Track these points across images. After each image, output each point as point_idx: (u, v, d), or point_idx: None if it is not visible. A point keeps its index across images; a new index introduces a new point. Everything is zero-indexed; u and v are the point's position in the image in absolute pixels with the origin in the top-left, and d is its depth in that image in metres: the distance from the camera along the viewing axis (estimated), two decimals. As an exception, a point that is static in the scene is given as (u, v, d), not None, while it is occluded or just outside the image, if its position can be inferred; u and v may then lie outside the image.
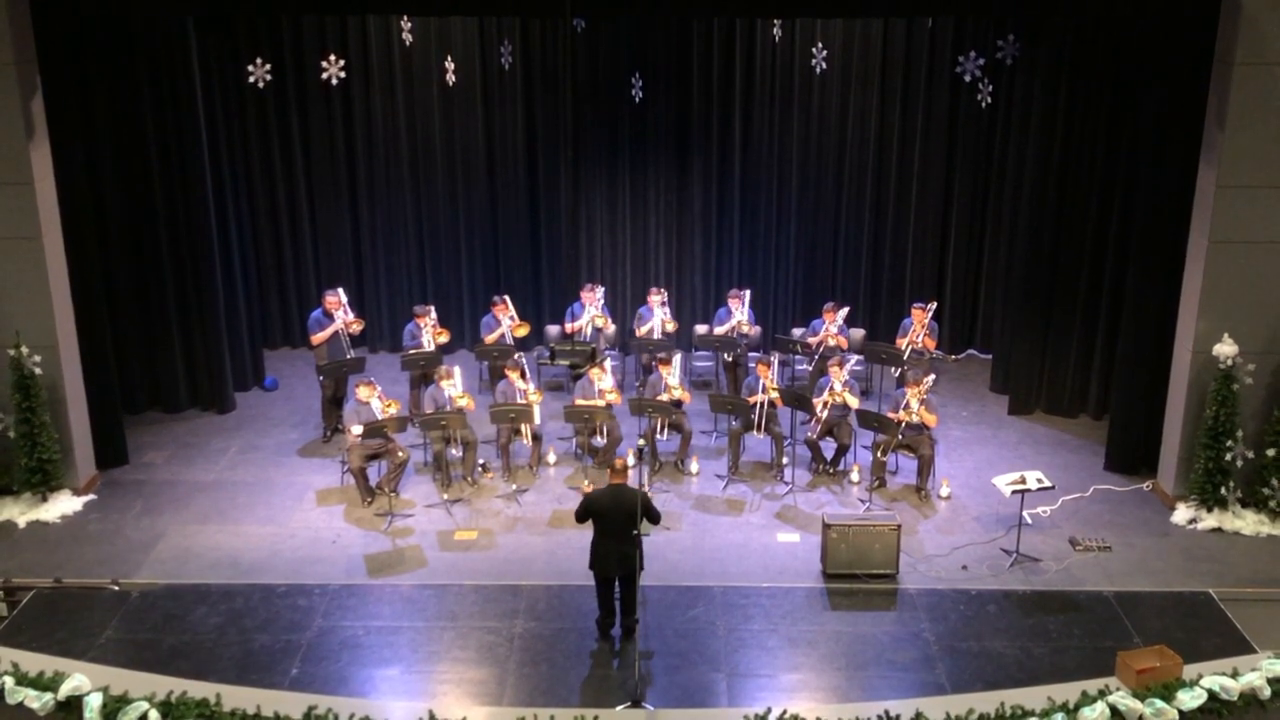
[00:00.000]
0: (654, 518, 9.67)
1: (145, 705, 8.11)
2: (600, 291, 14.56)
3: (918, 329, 13.76)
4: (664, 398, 12.49)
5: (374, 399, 11.99)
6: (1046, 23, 13.13)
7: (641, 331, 14.16)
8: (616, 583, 9.84)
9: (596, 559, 9.74)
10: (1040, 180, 13.47)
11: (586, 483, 11.94)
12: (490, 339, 13.99)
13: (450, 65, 14.89)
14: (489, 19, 14.65)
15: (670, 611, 10.27)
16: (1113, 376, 13.34)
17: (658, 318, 14.19)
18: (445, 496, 12.20)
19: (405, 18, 14.63)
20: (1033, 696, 8.30)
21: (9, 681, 8.32)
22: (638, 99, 15.11)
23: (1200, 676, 8.38)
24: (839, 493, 12.40)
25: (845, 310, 14.28)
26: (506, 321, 14.01)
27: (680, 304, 15.17)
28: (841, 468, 12.74)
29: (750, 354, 14.34)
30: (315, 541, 11.40)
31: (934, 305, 14.10)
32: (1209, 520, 11.63)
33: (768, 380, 12.45)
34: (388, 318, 15.84)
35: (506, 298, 14.26)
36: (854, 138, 15.28)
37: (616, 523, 9.50)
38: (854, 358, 13.96)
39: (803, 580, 10.78)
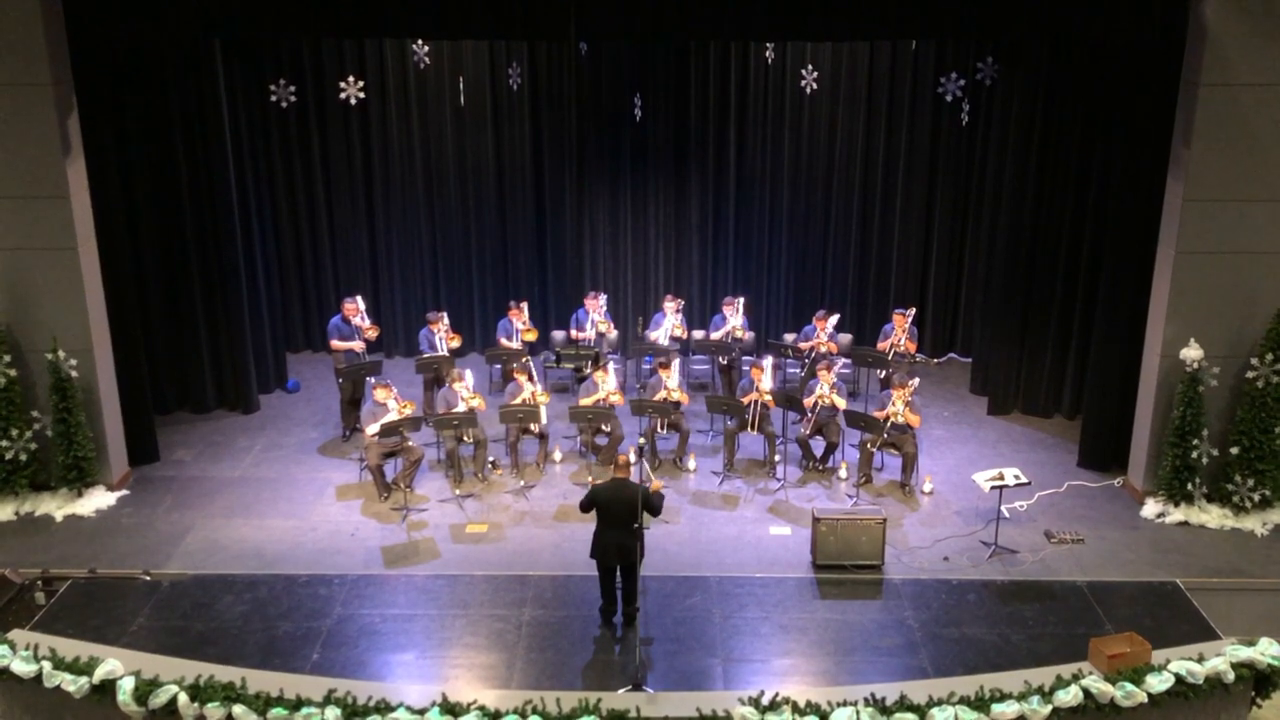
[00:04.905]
0: (654, 509, 9.67)
1: (175, 688, 8.11)
2: (603, 299, 14.57)
3: (899, 333, 13.76)
4: (661, 396, 12.49)
5: (390, 400, 11.98)
6: (1024, 46, 13.15)
7: (654, 336, 14.17)
8: (617, 572, 9.85)
9: (598, 549, 9.74)
10: (1017, 193, 13.48)
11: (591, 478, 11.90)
12: (506, 344, 13.99)
13: (462, 86, 14.91)
14: (499, 43, 14.69)
15: (669, 600, 10.27)
16: (1085, 379, 13.33)
17: (669, 323, 14.20)
18: (457, 492, 12.21)
19: (420, 42, 14.68)
20: (1010, 680, 8.28)
21: (47, 666, 8.33)
22: (638, 117, 15.13)
23: (1168, 661, 8.38)
24: (828, 488, 12.40)
25: (835, 318, 14.31)
26: (519, 325, 14.02)
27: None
28: (830, 465, 12.74)
29: (744, 358, 14.35)
30: (335, 534, 11.40)
31: (914, 311, 14.09)
32: (1176, 514, 11.64)
33: (759, 383, 12.45)
34: (403, 323, 15.83)
35: (524, 304, 14.26)
36: (842, 154, 15.30)
37: (617, 514, 9.51)
38: (841, 361, 13.97)
39: (794, 571, 10.78)
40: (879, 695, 8.06)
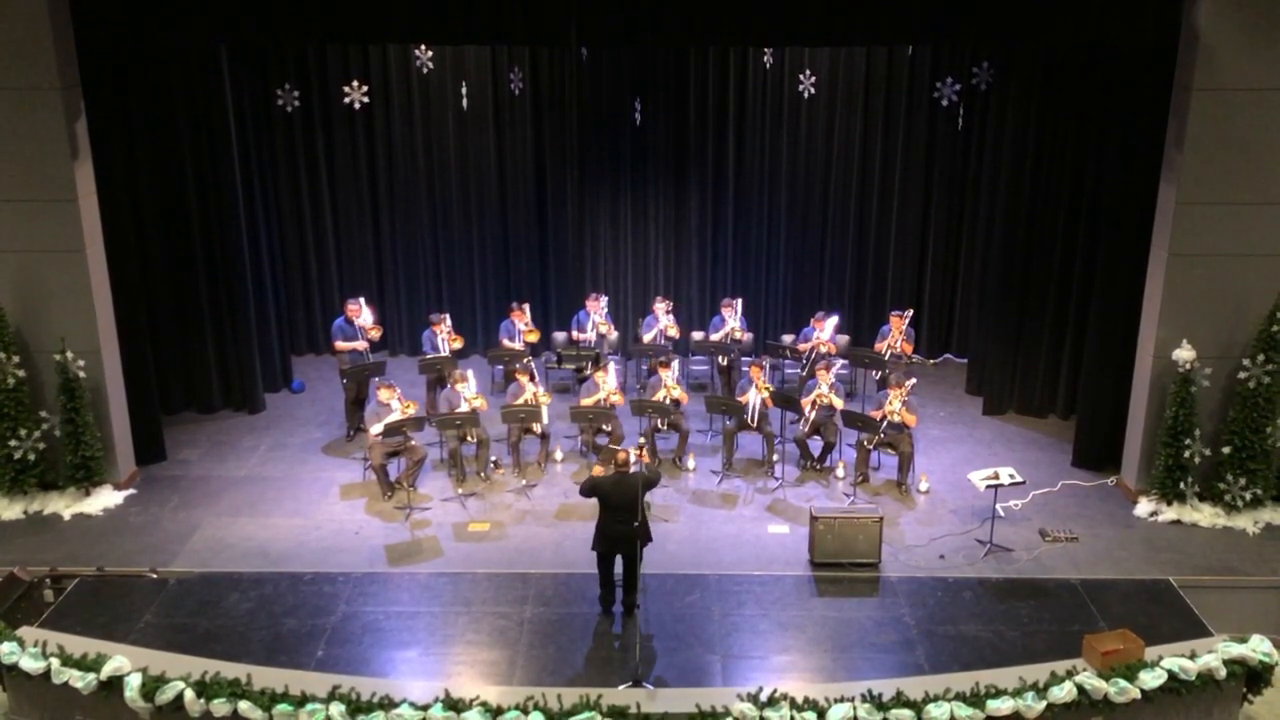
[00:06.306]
0: (653, 483, 9.97)
1: (181, 685, 8.13)
2: (604, 300, 14.57)
3: (895, 335, 13.77)
4: (661, 396, 12.49)
5: (394, 400, 11.99)
6: (1019, 51, 13.16)
7: (647, 338, 14.18)
8: (618, 560, 9.89)
9: (604, 540, 9.78)
10: (1012, 197, 13.49)
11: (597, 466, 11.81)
12: (508, 344, 14.00)
13: (465, 90, 14.93)
14: (501, 48, 14.69)
15: (669, 598, 10.27)
16: (1080, 379, 13.33)
17: (662, 324, 14.22)
18: (460, 491, 12.21)
19: (424, 47, 14.68)
20: (1005, 677, 8.31)
21: (55, 662, 8.36)
22: (638, 121, 15.13)
23: (1161, 658, 8.41)
24: (826, 487, 12.41)
25: (834, 319, 14.32)
26: (520, 326, 14.03)
27: (677, 312, 15.17)
28: (828, 464, 12.75)
29: (743, 358, 14.36)
30: (339, 533, 11.41)
31: (910, 313, 14.08)
32: (1169, 513, 11.63)
33: (759, 381, 12.46)
34: (406, 324, 15.84)
35: (526, 305, 14.27)
36: (839, 157, 15.30)
37: (619, 506, 9.56)
38: (839, 362, 13.98)
39: (792, 569, 10.78)
40: (876, 691, 8.08)
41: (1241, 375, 11.36)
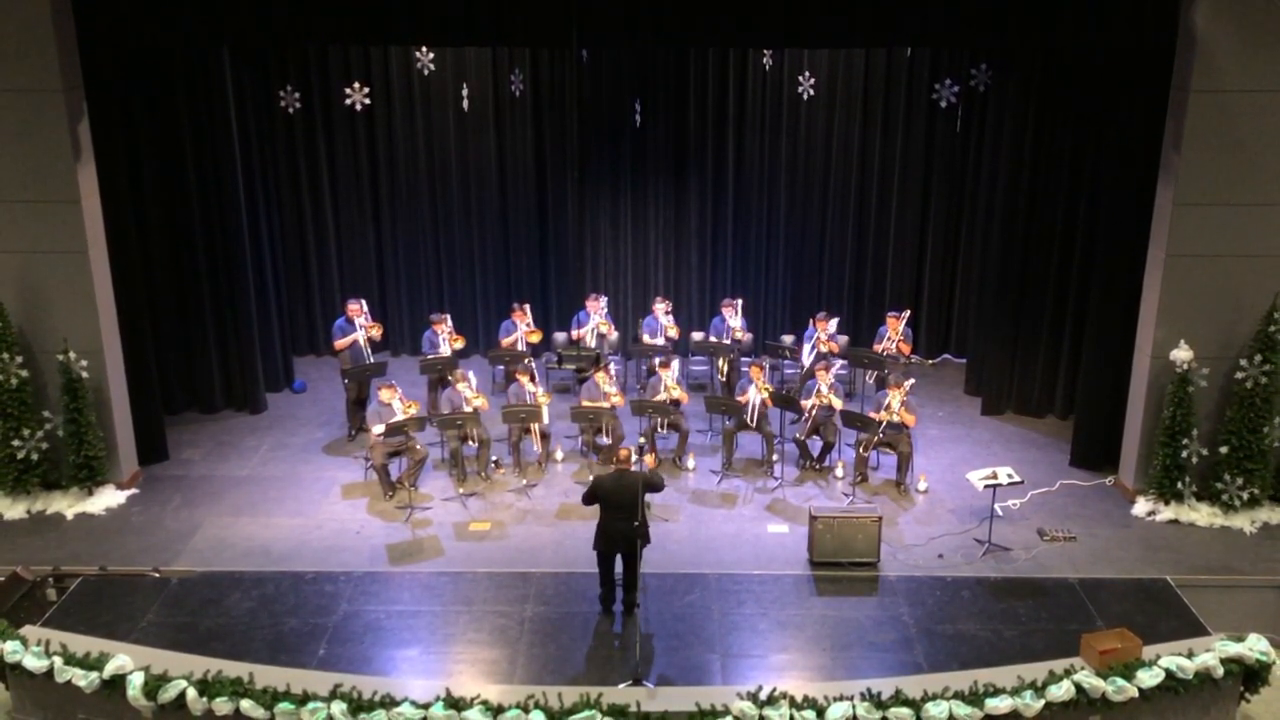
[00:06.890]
0: (657, 486, 9.93)
1: (184, 683, 8.14)
2: (604, 300, 14.56)
3: (893, 335, 13.77)
4: (662, 397, 12.50)
5: (395, 400, 12.00)
6: (1017, 53, 13.16)
7: (647, 339, 14.18)
8: (618, 559, 9.89)
9: (603, 538, 9.79)
10: (1010, 198, 13.50)
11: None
12: (506, 343, 14.00)
13: (465, 92, 14.94)
14: (501, 49, 14.71)
15: (669, 597, 10.28)
16: (1078, 379, 13.33)
17: (662, 324, 14.22)
18: (461, 490, 12.22)
19: (425, 48, 14.69)
20: (1003, 675, 8.31)
21: (58, 661, 8.36)
22: (638, 123, 15.14)
23: (1158, 657, 8.42)
24: (825, 487, 12.40)
25: (836, 320, 14.32)
26: (522, 327, 14.04)
27: (677, 312, 15.19)
28: (827, 464, 12.75)
29: (743, 359, 14.36)
30: (341, 532, 11.41)
31: (908, 313, 14.07)
32: (1167, 513, 11.64)
33: (759, 381, 12.47)
34: (408, 324, 15.85)
35: (527, 306, 14.28)
36: (838, 158, 15.31)
37: (620, 504, 9.57)
38: (839, 362, 13.98)
39: (791, 568, 10.78)
40: (875, 690, 8.09)
41: (1239, 375, 11.36)
